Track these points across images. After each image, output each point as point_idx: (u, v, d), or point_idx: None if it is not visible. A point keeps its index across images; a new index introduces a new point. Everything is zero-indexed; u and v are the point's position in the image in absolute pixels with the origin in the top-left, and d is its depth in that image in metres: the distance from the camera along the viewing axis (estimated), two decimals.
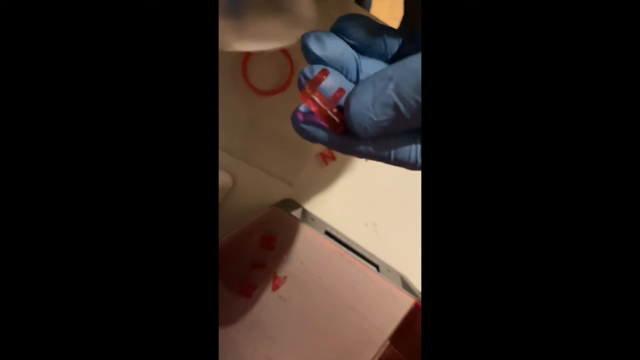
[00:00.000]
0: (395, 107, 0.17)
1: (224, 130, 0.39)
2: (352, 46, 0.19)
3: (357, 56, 0.19)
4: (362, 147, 0.18)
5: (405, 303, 0.32)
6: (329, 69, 0.18)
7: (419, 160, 0.18)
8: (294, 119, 0.19)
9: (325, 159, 0.40)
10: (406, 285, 0.35)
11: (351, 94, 0.17)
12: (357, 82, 0.19)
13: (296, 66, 0.39)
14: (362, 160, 0.40)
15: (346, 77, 0.19)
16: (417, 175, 0.40)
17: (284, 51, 0.40)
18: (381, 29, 0.19)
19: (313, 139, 0.19)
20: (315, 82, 0.17)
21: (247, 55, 0.39)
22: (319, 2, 0.21)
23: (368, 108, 0.17)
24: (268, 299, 0.32)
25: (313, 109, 0.18)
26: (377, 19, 0.18)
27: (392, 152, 0.18)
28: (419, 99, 0.16)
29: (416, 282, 0.38)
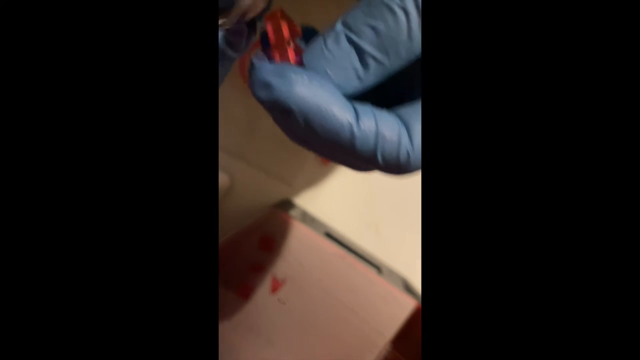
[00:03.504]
0: (349, 39, 0.15)
1: (221, 129, 0.38)
2: None
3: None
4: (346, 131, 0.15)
5: (407, 306, 0.32)
6: None
7: (411, 155, 0.16)
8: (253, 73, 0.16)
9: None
10: (408, 288, 0.35)
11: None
12: None
13: None
14: None
15: None
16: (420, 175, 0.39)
17: None
18: None
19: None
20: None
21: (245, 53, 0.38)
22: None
23: (322, 50, 0.16)
24: (267, 301, 0.32)
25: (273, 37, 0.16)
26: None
27: (377, 122, 0.16)
28: (372, 22, 0.15)
29: (419, 285, 0.38)
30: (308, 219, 0.36)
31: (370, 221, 0.40)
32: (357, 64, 0.16)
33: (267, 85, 0.15)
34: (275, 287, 0.32)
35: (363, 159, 0.16)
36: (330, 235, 0.35)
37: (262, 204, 0.39)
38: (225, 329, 0.32)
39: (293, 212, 0.35)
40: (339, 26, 0.16)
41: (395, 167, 0.16)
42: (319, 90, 0.15)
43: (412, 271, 0.38)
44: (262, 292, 0.32)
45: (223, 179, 0.38)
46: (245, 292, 0.32)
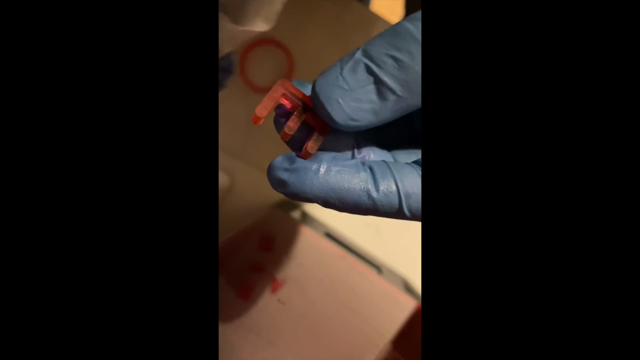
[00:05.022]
0: (368, 68, 0.14)
1: (221, 128, 0.38)
2: None
3: None
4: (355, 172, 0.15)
5: (407, 306, 0.32)
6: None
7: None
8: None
9: None
10: (408, 288, 0.35)
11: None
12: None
13: (295, 62, 0.39)
14: None
15: None
16: None
17: (281, 46, 0.39)
18: None
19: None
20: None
21: (245, 51, 0.38)
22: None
23: (336, 77, 0.15)
24: (267, 301, 0.32)
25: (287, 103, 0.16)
26: None
27: (397, 180, 0.15)
28: (396, 54, 0.14)
29: (419, 285, 0.38)
30: (308, 219, 0.36)
31: (371, 221, 0.39)
32: (374, 97, 0.15)
33: (281, 182, 0.15)
34: (276, 287, 0.32)
35: (391, 216, 0.16)
36: (330, 235, 0.35)
37: (262, 204, 0.39)
38: (225, 329, 0.31)
39: (293, 212, 0.35)
40: (358, 54, 0.15)
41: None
42: (330, 174, 0.15)
43: (412, 271, 0.38)
44: (262, 292, 0.32)
45: (223, 179, 0.38)
46: (245, 292, 0.32)
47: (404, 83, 0.14)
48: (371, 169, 0.15)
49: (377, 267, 0.35)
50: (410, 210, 0.15)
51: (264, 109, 0.16)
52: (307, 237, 0.33)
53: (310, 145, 0.16)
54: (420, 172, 0.15)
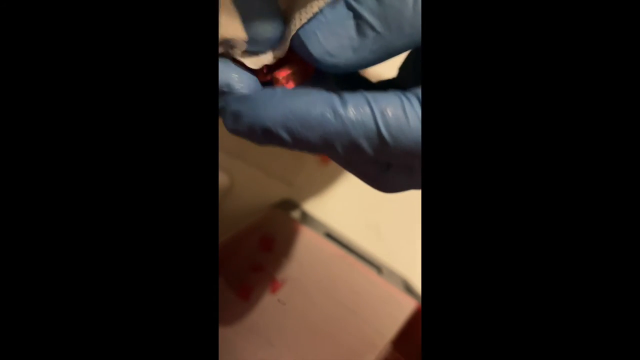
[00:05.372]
0: (347, 4, 0.14)
1: (221, 128, 0.38)
2: None
3: None
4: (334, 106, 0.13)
5: (407, 306, 0.32)
6: None
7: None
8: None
9: (325, 157, 0.39)
10: (408, 288, 0.35)
11: None
12: None
13: None
14: None
15: None
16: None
17: None
18: None
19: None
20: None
21: None
22: None
23: (316, 14, 0.14)
24: (267, 302, 0.32)
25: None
26: None
27: (370, 100, 0.14)
28: None
29: (419, 285, 0.38)
30: (308, 219, 0.36)
31: (371, 221, 0.39)
32: (353, 32, 0.14)
33: (236, 114, 0.14)
34: (275, 287, 0.32)
35: (369, 147, 0.14)
36: (330, 236, 0.35)
37: (262, 204, 0.39)
38: (225, 329, 0.31)
39: (293, 212, 0.35)
40: None
41: (414, 144, 0.14)
42: (289, 94, 0.14)
43: (412, 271, 0.38)
44: (262, 292, 0.32)
45: (223, 179, 0.38)
46: (245, 292, 0.32)
47: (383, 19, 0.14)
48: (339, 94, 0.14)
49: (377, 267, 0.35)
50: (390, 132, 0.14)
51: None
52: (307, 237, 0.33)
53: (279, 72, 0.15)
54: (404, 99, 0.14)
